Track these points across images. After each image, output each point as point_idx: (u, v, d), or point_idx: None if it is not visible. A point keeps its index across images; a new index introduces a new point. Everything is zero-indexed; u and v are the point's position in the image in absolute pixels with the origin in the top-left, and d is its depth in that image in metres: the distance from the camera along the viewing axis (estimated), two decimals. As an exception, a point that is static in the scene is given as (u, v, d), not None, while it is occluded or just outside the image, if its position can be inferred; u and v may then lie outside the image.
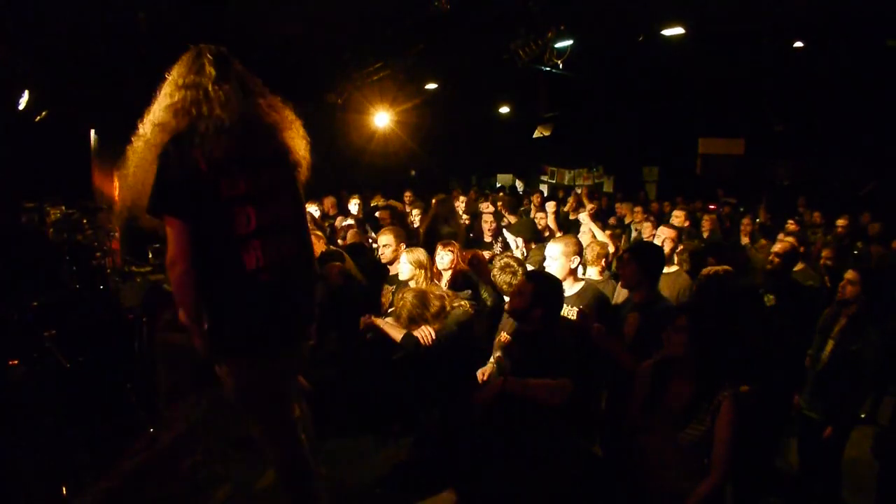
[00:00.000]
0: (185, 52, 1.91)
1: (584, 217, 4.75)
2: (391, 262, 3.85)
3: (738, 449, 2.11)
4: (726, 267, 3.23)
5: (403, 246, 3.83)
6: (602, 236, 4.47)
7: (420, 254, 3.48)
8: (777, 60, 8.30)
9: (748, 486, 2.80)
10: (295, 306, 1.97)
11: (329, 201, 7.04)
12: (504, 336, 3.00)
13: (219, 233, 1.82)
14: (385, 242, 3.86)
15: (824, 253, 4.62)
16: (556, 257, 3.23)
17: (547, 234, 5.71)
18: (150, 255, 4.52)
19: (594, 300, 3.14)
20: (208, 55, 1.89)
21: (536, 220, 5.99)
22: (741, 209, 8.91)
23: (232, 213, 1.82)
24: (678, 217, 5.67)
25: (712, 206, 8.82)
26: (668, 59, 8.34)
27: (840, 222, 6.42)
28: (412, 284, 3.37)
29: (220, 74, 1.87)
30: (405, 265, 3.45)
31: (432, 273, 3.53)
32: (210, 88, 1.84)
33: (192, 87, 1.84)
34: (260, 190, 1.88)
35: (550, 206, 6.03)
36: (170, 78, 1.89)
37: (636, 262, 2.91)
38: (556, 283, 2.71)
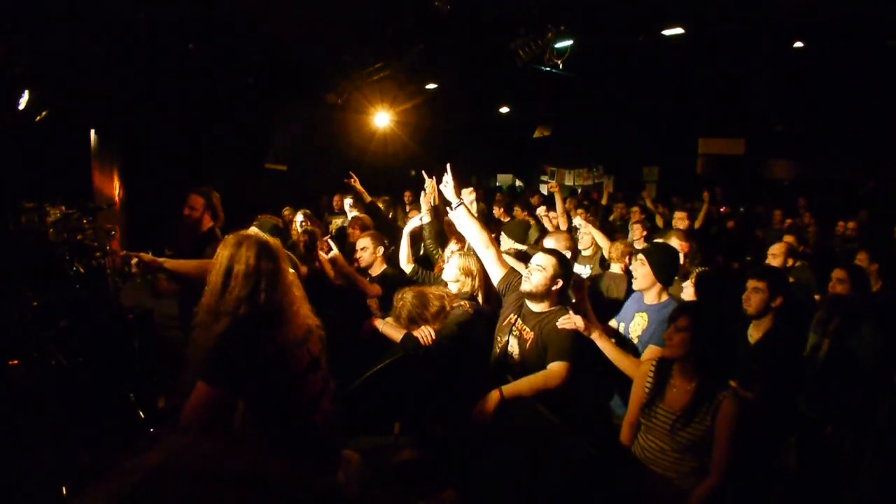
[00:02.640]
0: (231, 238, 1.95)
1: (579, 221, 4.73)
2: (370, 266, 3.78)
3: (738, 449, 2.11)
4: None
5: (381, 249, 3.77)
6: (602, 239, 4.44)
7: (471, 262, 3.24)
8: (777, 60, 8.30)
9: (748, 486, 2.80)
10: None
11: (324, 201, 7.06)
12: (512, 317, 2.85)
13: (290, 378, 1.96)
14: (363, 245, 3.75)
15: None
16: None
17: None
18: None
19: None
20: (256, 244, 1.93)
21: (542, 220, 5.90)
22: (741, 209, 8.90)
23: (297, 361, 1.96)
24: (679, 219, 5.42)
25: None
26: (668, 59, 8.34)
27: (841, 223, 6.41)
28: (453, 288, 3.26)
29: (268, 259, 1.93)
30: (452, 269, 3.28)
31: (477, 284, 3.26)
32: (269, 276, 1.90)
33: (247, 273, 1.88)
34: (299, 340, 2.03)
35: (553, 211, 5.89)
36: (222, 263, 1.90)
37: (650, 263, 2.90)
38: (565, 257, 2.78)
